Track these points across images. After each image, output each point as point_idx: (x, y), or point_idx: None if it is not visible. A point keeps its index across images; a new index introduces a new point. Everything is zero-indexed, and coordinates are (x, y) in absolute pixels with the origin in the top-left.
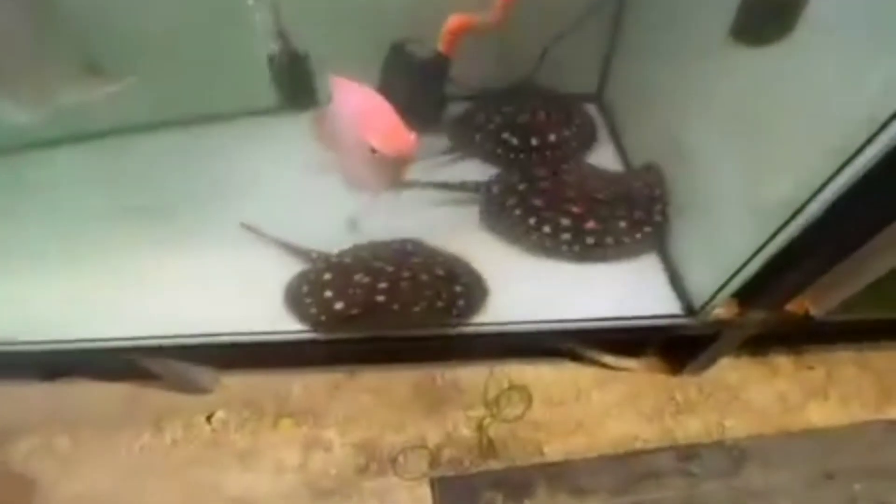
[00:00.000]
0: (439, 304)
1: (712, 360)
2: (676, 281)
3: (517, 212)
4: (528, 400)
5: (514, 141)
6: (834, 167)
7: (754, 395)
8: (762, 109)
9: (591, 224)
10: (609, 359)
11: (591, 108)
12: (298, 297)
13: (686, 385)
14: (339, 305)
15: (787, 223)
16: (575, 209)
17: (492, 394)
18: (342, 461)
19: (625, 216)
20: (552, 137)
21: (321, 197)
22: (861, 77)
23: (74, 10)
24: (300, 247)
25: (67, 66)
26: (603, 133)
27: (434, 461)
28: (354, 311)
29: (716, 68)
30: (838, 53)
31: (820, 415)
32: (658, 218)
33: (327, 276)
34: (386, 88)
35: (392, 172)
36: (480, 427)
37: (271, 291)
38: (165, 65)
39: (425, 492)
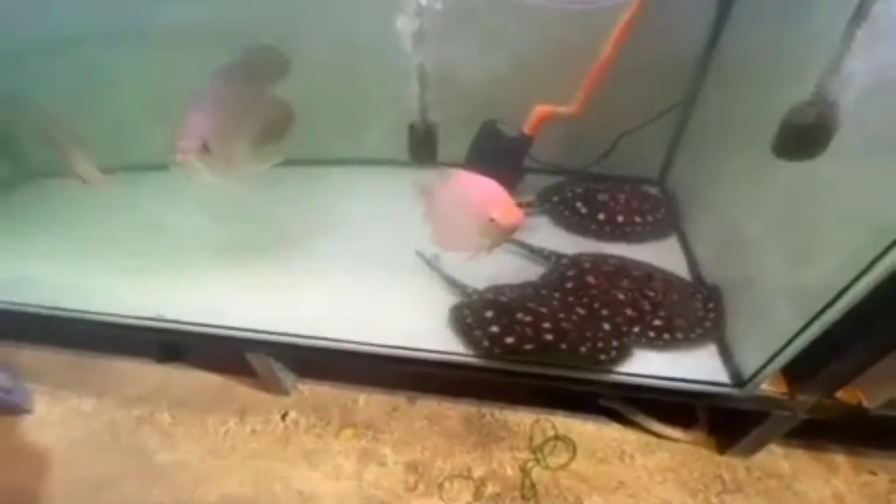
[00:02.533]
0: (599, 344)
1: (761, 443)
2: (726, 352)
3: (569, 284)
4: (573, 451)
5: (584, 210)
6: (865, 262)
7: (808, 490)
8: (804, 207)
9: (629, 311)
10: (656, 426)
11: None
12: (467, 329)
13: (734, 465)
14: (509, 340)
15: (829, 305)
16: (621, 296)
17: (537, 440)
18: (394, 477)
19: (664, 317)
20: (619, 219)
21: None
22: (883, 189)
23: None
24: (458, 281)
25: (257, 142)
26: None
27: (478, 493)
28: (527, 347)
29: (763, 172)
30: (862, 171)
31: None
32: (694, 336)
33: (489, 313)
34: (474, 157)
35: (500, 238)
36: (524, 469)
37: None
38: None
39: None
